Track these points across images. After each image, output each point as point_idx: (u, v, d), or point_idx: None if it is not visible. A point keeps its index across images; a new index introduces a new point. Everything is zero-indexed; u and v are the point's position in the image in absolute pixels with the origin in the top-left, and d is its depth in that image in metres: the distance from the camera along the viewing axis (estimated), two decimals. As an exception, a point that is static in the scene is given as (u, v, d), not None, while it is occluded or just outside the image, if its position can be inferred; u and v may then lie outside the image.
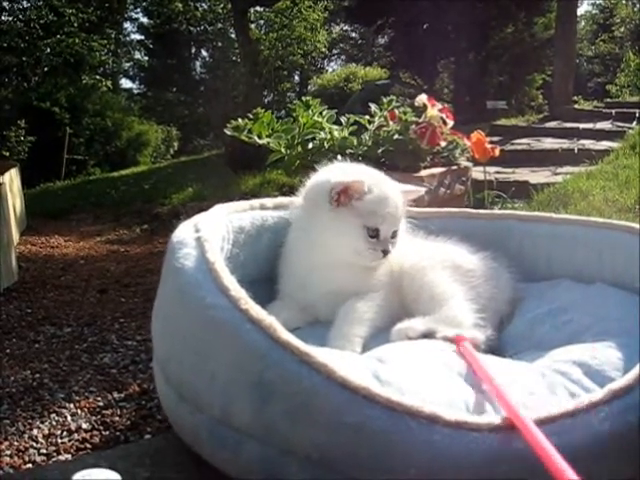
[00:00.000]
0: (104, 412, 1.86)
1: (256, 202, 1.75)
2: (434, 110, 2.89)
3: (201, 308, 1.18)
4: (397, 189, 1.67)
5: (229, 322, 1.13)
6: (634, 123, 9.10)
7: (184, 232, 1.39)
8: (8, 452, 1.64)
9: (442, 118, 2.90)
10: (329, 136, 2.77)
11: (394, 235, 1.64)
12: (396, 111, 2.92)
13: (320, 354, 1.06)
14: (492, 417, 1.08)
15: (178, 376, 1.26)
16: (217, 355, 1.16)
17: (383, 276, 1.66)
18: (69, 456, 1.62)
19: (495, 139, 7.68)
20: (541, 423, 1.02)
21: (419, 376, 1.21)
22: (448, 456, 0.98)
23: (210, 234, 1.37)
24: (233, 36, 22.11)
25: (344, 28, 29.00)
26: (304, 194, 1.71)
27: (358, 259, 1.61)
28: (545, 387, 1.25)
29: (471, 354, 1.32)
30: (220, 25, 24.91)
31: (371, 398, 1.00)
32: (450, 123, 2.95)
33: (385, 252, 1.60)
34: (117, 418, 1.82)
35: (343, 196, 1.58)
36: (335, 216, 1.59)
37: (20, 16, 17.85)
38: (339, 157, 2.68)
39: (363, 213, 1.58)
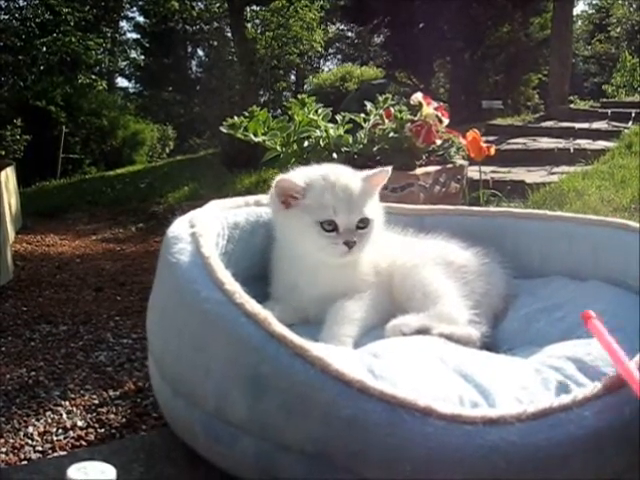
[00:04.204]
0: (99, 410, 1.86)
1: (251, 199, 1.76)
2: (429, 108, 2.90)
3: (196, 302, 1.18)
4: (354, 177, 1.62)
5: (224, 316, 1.13)
6: (630, 123, 9.09)
7: (179, 227, 1.39)
8: (3, 449, 1.64)
9: (437, 116, 2.90)
10: (324, 134, 2.77)
11: (363, 225, 1.59)
12: (392, 109, 2.93)
13: (315, 348, 1.07)
14: (486, 410, 1.09)
15: (173, 371, 1.27)
16: (212, 349, 1.16)
17: (369, 276, 1.66)
18: (64, 453, 1.62)
19: (491, 139, 7.69)
20: (535, 417, 1.02)
21: (413, 370, 1.22)
22: (442, 449, 0.98)
23: (205, 229, 1.38)
24: (229, 35, 22.13)
25: (340, 27, 29.00)
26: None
27: (323, 256, 1.58)
28: (539, 382, 1.25)
29: (599, 331, 1.29)
30: (216, 24, 24.90)
31: (365, 391, 1.01)
32: (445, 121, 2.96)
33: (348, 244, 1.54)
34: (112, 416, 1.82)
35: (288, 197, 1.56)
36: (289, 218, 1.58)
37: (16, 15, 17.87)
38: (334, 155, 2.69)
39: (312, 209, 1.55)
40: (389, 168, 1.69)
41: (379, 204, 1.69)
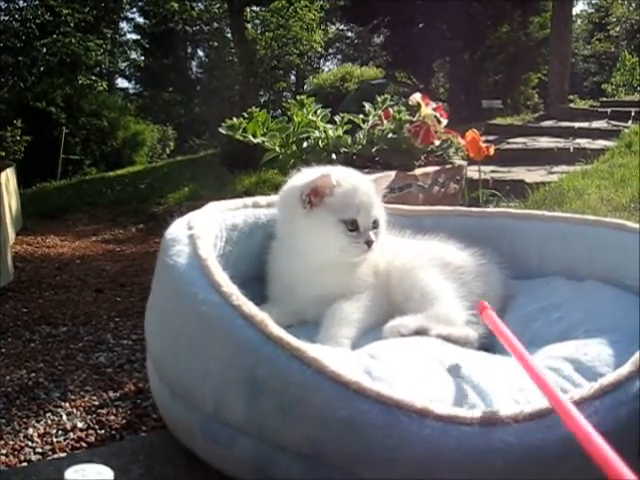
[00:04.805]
0: (99, 411, 1.86)
1: (249, 200, 1.76)
2: (428, 109, 2.90)
3: (194, 304, 1.19)
4: (366, 179, 1.68)
5: (221, 318, 1.14)
6: (629, 122, 9.11)
7: (177, 229, 1.40)
8: (3, 451, 1.64)
9: (436, 117, 2.90)
10: (323, 135, 2.77)
11: (376, 225, 1.64)
12: (390, 110, 2.93)
13: (311, 349, 1.07)
14: (483, 411, 1.09)
15: (171, 372, 1.27)
16: (210, 351, 1.16)
17: (368, 277, 1.67)
18: (64, 455, 1.62)
19: (491, 138, 7.71)
20: (532, 417, 1.03)
21: (411, 372, 1.22)
22: (439, 450, 0.98)
23: (203, 231, 1.38)
24: (229, 36, 22.13)
25: (340, 27, 29.03)
26: (278, 205, 1.72)
27: (343, 256, 1.61)
28: (536, 383, 1.25)
29: (495, 322, 1.32)
30: (216, 25, 24.91)
31: (362, 392, 1.01)
32: (444, 122, 2.95)
33: (369, 243, 1.60)
34: (112, 417, 1.82)
35: (314, 196, 1.58)
36: (311, 218, 1.60)
37: (16, 16, 17.87)
38: (333, 156, 2.69)
39: (337, 207, 1.58)
40: (393, 172, 1.76)
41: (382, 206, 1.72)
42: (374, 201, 1.64)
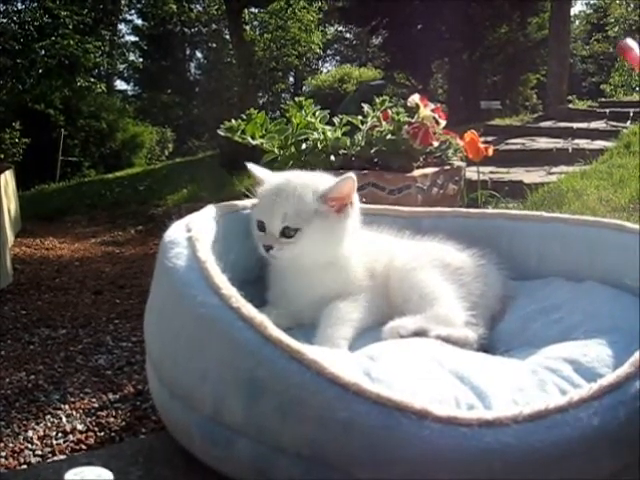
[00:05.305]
0: (99, 413, 1.86)
1: (248, 202, 1.76)
2: (426, 110, 2.89)
3: (193, 306, 1.19)
4: (309, 189, 1.58)
5: (220, 320, 1.14)
6: (628, 122, 9.11)
7: (176, 232, 1.39)
8: (3, 454, 1.64)
9: (435, 118, 2.89)
10: (322, 136, 2.76)
11: (288, 235, 1.56)
12: (389, 111, 2.92)
13: (310, 351, 1.07)
14: (482, 412, 1.09)
15: (170, 374, 1.27)
16: (209, 353, 1.16)
17: (363, 280, 1.66)
18: (64, 457, 1.62)
19: (489, 139, 7.70)
20: (531, 418, 1.02)
21: (410, 373, 1.22)
22: (438, 451, 0.98)
23: (201, 233, 1.38)
24: (228, 37, 22.15)
25: (338, 29, 29.06)
26: None
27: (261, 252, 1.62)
28: (535, 384, 1.25)
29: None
30: (214, 26, 24.95)
31: (361, 394, 1.01)
32: (443, 123, 2.95)
33: (266, 247, 1.57)
34: (112, 419, 1.82)
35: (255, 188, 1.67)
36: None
37: (15, 18, 17.88)
38: (332, 157, 2.69)
39: (256, 205, 1.67)
40: (351, 174, 1.60)
41: (351, 218, 1.64)
42: (296, 210, 1.55)
